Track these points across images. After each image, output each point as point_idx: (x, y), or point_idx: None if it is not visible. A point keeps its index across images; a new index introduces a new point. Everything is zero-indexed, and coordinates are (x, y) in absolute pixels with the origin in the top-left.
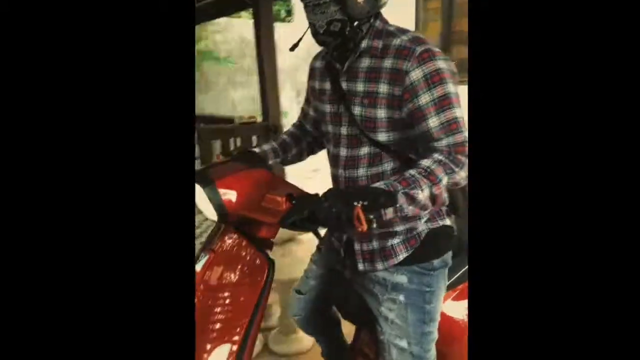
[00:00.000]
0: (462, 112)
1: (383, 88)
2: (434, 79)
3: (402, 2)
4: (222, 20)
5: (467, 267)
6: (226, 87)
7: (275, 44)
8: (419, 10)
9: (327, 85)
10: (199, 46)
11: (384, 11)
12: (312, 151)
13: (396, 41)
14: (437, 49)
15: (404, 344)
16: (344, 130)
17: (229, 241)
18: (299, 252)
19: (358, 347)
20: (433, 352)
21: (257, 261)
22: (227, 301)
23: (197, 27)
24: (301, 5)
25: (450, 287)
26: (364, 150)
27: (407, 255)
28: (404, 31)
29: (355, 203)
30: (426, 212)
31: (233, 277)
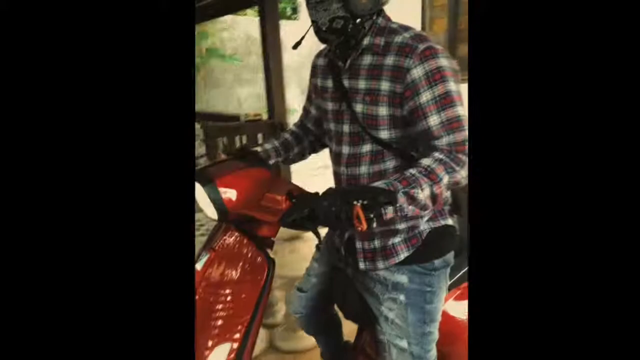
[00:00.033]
0: (464, 110)
1: (385, 85)
2: (436, 77)
3: None
4: (228, 18)
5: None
6: (232, 85)
7: (281, 41)
8: (425, 7)
9: (329, 83)
10: (206, 44)
11: (391, 8)
12: (314, 150)
13: (398, 38)
14: (439, 47)
15: (404, 344)
16: (346, 128)
17: (230, 240)
18: (305, 250)
19: (360, 346)
20: (433, 352)
21: (258, 259)
22: (229, 298)
23: (203, 25)
24: None
25: (452, 287)
26: (366, 147)
27: (408, 254)
28: (406, 28)
29: (355, 202)
30: (427, 211)
31: (234, 274)
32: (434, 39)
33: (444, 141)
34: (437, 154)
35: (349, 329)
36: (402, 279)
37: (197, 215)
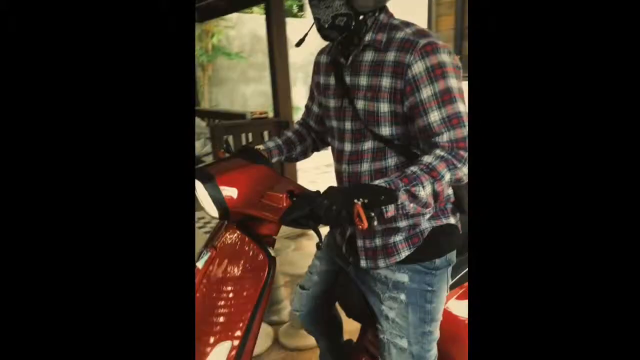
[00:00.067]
0: (465, 107)
1: (386, 82)
2: (436, 73)
3: None
4: (234, 16)
5: None
6: (238, 82)
7: (287, 39)
8: (432, 4)
9: (332, 80)
10: (212, 41)
11: (397, 5)
12: (317, 148)
13: (400, 34)
14: (440, 42)
15: (404, 343)
16: (347, 125)
17: (231, 238)
18: (309, 247)
19: (363, 345)
20: (434, 352)
21: (259, 257)
22: (230, 296)
23: (209, 23)
24: None
25: (454, 286)
26: (368, 144)
27: (409, 253)
28: (408, 24)
29: (356, 200)
30: (428, 209)
31: (235, 272)
32: (440, 37)
33: (444, 137)
34: (438, 151)
35: (351, 328)
36: (403, 277)
37: (201, 213)
